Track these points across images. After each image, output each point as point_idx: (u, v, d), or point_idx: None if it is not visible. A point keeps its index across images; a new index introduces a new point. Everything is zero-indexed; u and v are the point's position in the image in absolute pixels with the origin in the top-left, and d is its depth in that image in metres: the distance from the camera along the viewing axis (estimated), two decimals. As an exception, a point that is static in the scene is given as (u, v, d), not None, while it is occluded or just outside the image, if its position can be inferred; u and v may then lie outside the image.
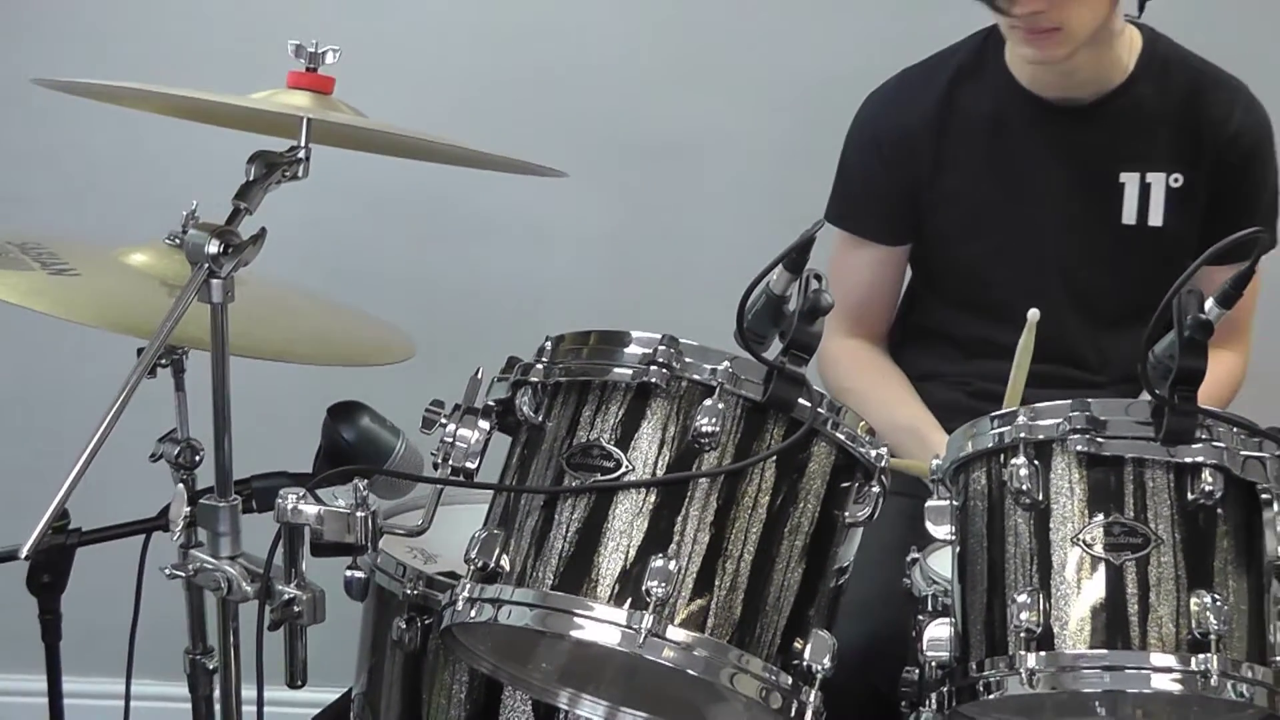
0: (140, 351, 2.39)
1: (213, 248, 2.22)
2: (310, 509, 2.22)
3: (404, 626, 2.59)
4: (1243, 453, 2.17)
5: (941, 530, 2.29)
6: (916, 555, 2.53)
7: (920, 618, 2.37)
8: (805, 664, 2.18)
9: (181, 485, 2.54)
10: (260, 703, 2.41)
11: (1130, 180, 3.09)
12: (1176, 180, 3.07)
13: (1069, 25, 2.86)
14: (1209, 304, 2.12)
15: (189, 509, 2.38)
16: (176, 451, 2.70)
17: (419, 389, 2.35)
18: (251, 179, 2.29)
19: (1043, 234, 3.11)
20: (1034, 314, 2.70)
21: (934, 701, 2.26)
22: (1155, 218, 3.09)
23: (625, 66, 3.70)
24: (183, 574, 2.37)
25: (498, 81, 3.70)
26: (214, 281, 2.24)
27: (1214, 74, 3.14)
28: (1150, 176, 3.08)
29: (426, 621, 2.56)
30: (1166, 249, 3.07)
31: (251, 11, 3.62)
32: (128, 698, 2.96)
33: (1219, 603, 2.10)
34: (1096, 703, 2.29)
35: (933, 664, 2.24)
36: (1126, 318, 3.08)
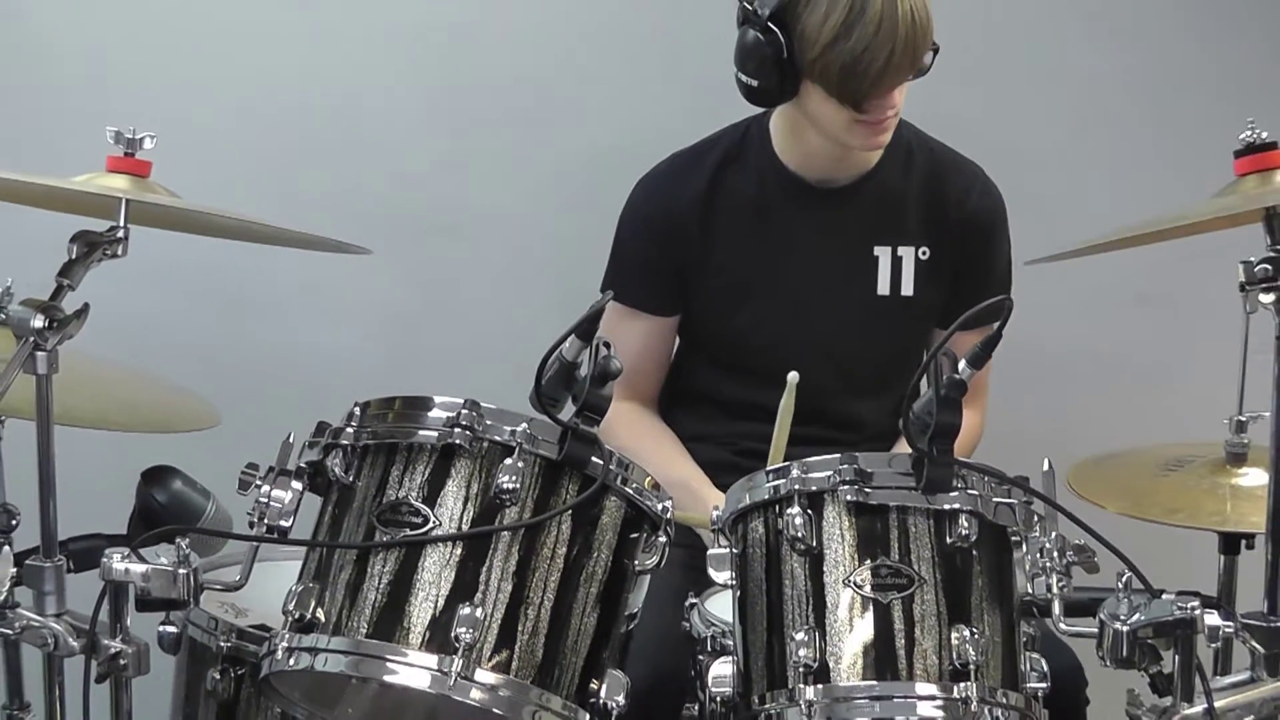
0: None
1: (38, 322, 2.27)
2: (137, 567, 2.26)
3: (218, 677, 2.63)
4: (994, 500, 2.31)
5: (722, 575, 2.37)
6: (694, 600, 2.62)
7: (701, 657, 2.48)
8: (601, 701, 2.28)
9: (6, 547, 2.52)
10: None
11: (883, 254, 3.21)
12: (924, 253, 3.20)
13: (899, 108, 3.00)
14: (961, 365, 2.23)
15: (15, 570, 2.39)
16: (-2, 516, 2.71)
17: (225, 454, 2.42)
18: (74, 257, 2.34)
19: (804, 305, 3.21)
20: (793, 376, 2.81)
21: (718, 732, 2.34)
22: (907, 288, 3.21)
23: (413, 148, 3.78)
24: (9, 632, 2.38)
25: (300, 163, 3.76)
26: (39, 354, 2.28)
27: (952, 157, 3.28)
28: (901, 250, 3.21)
29: (239, 672, 2.61)
30: (917, 316, 3.20)
31: (70, 97, 3.65)
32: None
33: (976, 635, 2.22)
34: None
35: (716, 699, 2.33)
36: (881, 380, 3.22)
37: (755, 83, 2.97)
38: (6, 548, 2.52)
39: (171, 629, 2.66)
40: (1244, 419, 2.86)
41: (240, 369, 3.66)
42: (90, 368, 2.80)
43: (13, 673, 2.83)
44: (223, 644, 2.63)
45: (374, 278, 3.68)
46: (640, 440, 3.21)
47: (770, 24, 2.90)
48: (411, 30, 3.73)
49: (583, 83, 3.75)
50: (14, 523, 2.75)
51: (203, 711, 2.69)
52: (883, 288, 3.21)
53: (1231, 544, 2.88)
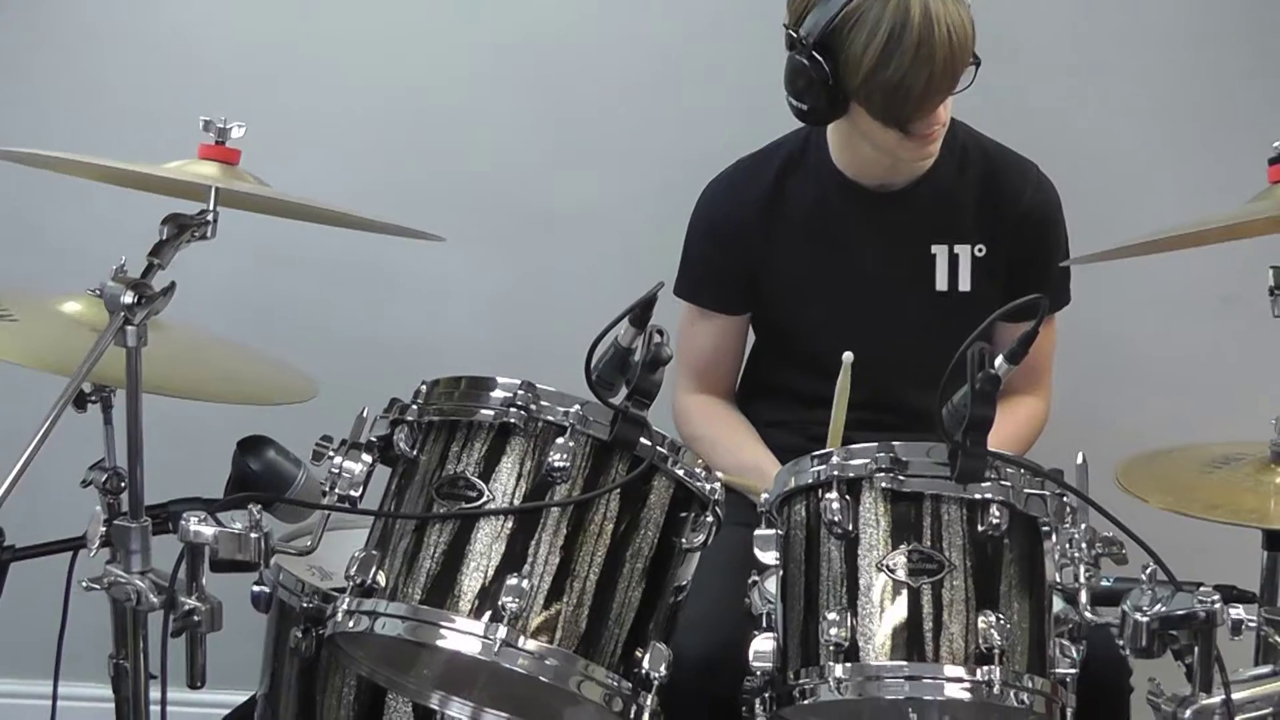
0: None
1: (128, 298, 2.29)
2: (208, 530, 2.28)
3: (300, 636, 2.67)
4: (1026, 490, 2.29)
5: (768, 556, 2.36)
6: (756, 578, 2.58)
7: (755, 633, 2.44)
8: (644, 672, 2.27)
9: (99, 508, 2.57)
10: (164, 702, 2.45)
11: (940, 252, 3.17)
12: (980, 250, 3.16)
13: (946, 122, 2.98)
14: (999, 360, 2.20)
15: (105, 529, 2.43)
16: (104, 478, 2.75)
17: (322, 426, 2.43)
18: (164, 238, 2.36)
19: (865, 303, 3.18)
20: (848, 357, 2.81)
21: (758, 705, 2.33)
22: (964, 284, 3.17)
23: (515, 147, 3.79)
24: (99, 587, 2.42)
25: (399, 157, 3.78)
26: (129, 328, 2.31)
27: (1006, 156, 3.23)
28: (958, 248, 3.17)
29: (320, 631, 2.63)
30: (975, 311, 3.12)
31: (166, 90, 3.70)
32: (55, 698, 3.00)
33: (1003, 621, 2.20)
34: (910, 709, 2.37)
35: (757, 673, 2.31)
36: (941, 372, 3.16)
37: (805, 106, 2.95)
38: (98, 509, 2.57)
39: (263, 589, 2.69)
40: (1289, 420, 2.79)
41: (343, 347, 3.69)
42: (197, 342, 2.87)
43: (119, 624, 2.84)
44: (305, 604, 2.67)
45: (473, 266, 3.73)
46: (713, 428, 3.23)
47: (814, 52, 2.87)
48: (514, 34, 3.74)
49: (673, 88, 3.75)
50: (122, 485, 2.78)
51: (288, 668, 2.73)
52: (941, 284, 3.18)
53: (1275, 541, 2.81)
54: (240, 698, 3.07)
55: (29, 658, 2.94)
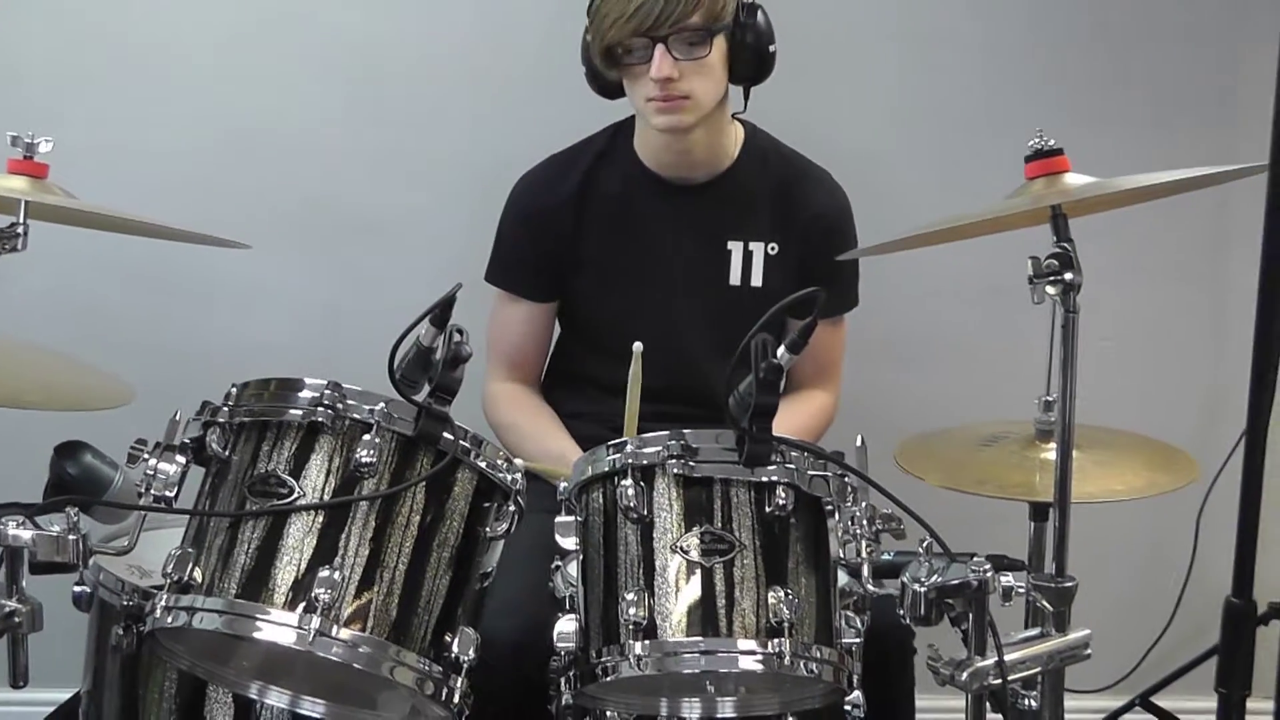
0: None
1: (-58, 311, 2.24)
2: (26, 533, 2.24)
3: (121, 633, 2.61)
4: (810, 472, 2.31)
5: (569, 541, 2.35)
6: (559, 563, 2.59)
7: (560, 615, 2.45)
8: (454, 656, 2.26)
9: (-80, 515, 2.51)
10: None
11: (736, 248, 3.20)
12: (773, 248, 3.19)
13: (695, 95, 2.96)
14: (780, 350, 2.22)
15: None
16: (-85, 488, 2.69)
17: (139, 430, 2.38)
18: (-27, 251, 2.31)
19: (664, 293, 3.19)
20: (638, 346, 2.80)
21: (564, 684, 2.34)
22: (756, 279, 3.20)
23: (324, 154, 3.75)
24: (-82, 593, 2.36)
25: (207, 167, 3.71)
26: (-52, 340, 2.26)
27: (802, 163, 3.27)
28: (752, 245, 3.20)
29: (140, 629, 2.55)
30: (766, 306, 3.14)
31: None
32: None
33: (791, 596, 2.22)
34: (707, 681, 2.40)
35: (562, 653, 2.32)
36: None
37: (586, 70, 3.04)
38: (-81, 516, 2.50)
39: (85, 588, 2.64)
40: (1050, 399, 2.85)
41: (160, 353, 3.62)
42: (11, 351, 2.78)
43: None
44: (125, 603, 2.61)
45: (294, 272, 3.68)
46: (521, 416, 3.23)
47: (588, 21, 2.98)
48: (325, 40, 3.70)
49: (484, 94, 3.73)
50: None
51: (110, 664, 2.66)
52: (734, 279, 3.21)
53: (1039, 512, 2.88)
54: (63, 695, 3.02)
55: None
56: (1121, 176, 2.43)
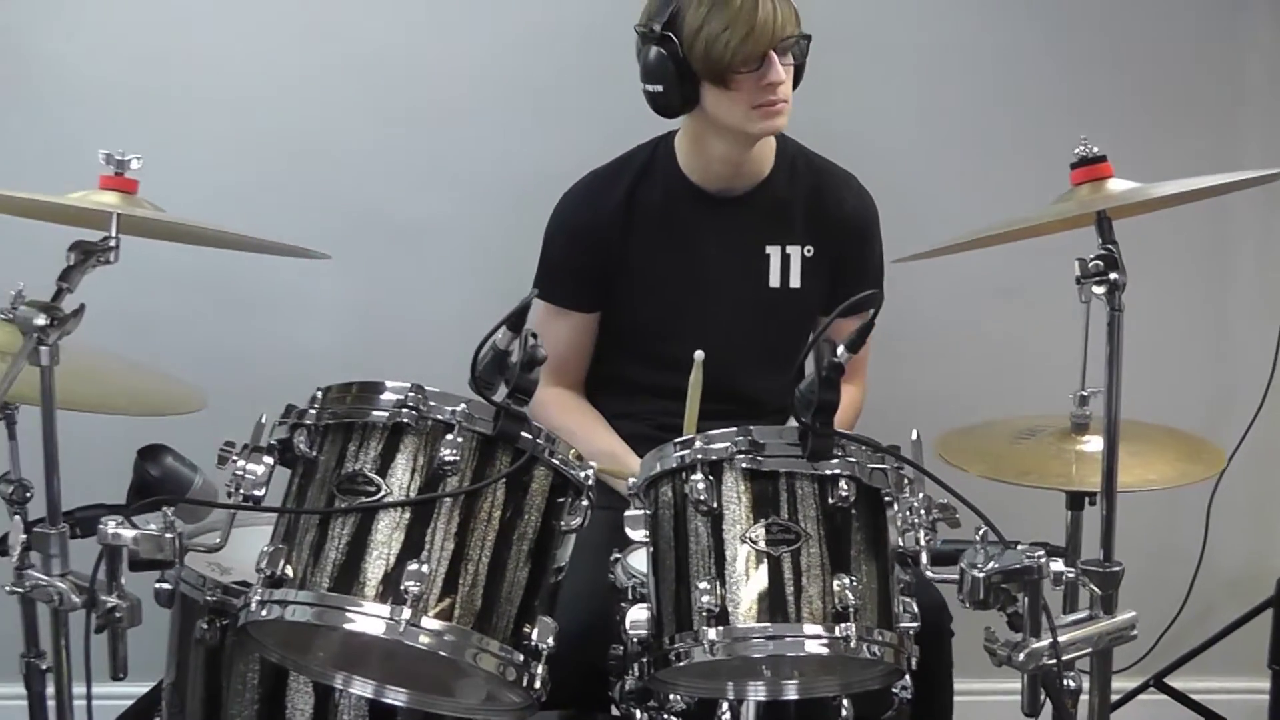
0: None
1: (40, 320, 2.26)
2: (128, 532, 2.25)
3: (205, 627, 2.61)
4: (870, 465, 2.32)
5: (638, 534, 2.36)
6: (618, 555, 2.63)
7: (623, 605, 2.46)
8: (534, 644, 2.27)
9: (18, 517, 2.53)
10: (89, 696, 2.39)
11: (774, 252, 3.22)
12: (809, 251, 3.22)
13: (789, 99, 3.01)
14: (840, 350, 2.23)
15: (25, 536, 2.38)
16: (10, 490, 2.70)
17: (211, 434, 2.38)
18: (71, 264, 2.32)
19: (707, 298, 3.21)
20: (699, 355, 2.82)
21: (636, 670, 2.36)
22: (795, 281, 3.23)
23: (373, 161, 3.75)
24: (21, 590, 2.37)
25: (280, 179, 3.72)
26: (42, 348, 2.26)
27: (830, 167, 3.30)
28: (789, 249, 3.22)
29: (223, 623, 2.59)
30: (804, 305, 3.23)
31: (68, 122, 3.61)
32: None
33: (855, 583, 2.24)
34: (763, 665, 2.40)
35: (634, 640, 2.33)
36: (776, 361, 3.21)
37: (660, 89, 3.00)
38: (18, 517, 2.52)
39: (166, 585, 2.64)
40: (1085, 394, 2.89)
41: (225, 359, 3.63)
42: (93, 360, 2.79)
43: (29, 626, 2.81)
44: (209, 598, 2.61)
45: (341, 279, 3.66)
46: (570, 419, 3.23)
47: (665, 33, 2.95)
48: (369, 59, 3.72)
49: (522, 108, 3.74)
50: (28, 495, 2.76)
51: (193, 657, 2.66)
52: (774, 281, 3.23)
53: (1076, 501, 2.90)
54: (141, 689, 3.01)
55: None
56: (1164, 181, 2.45)
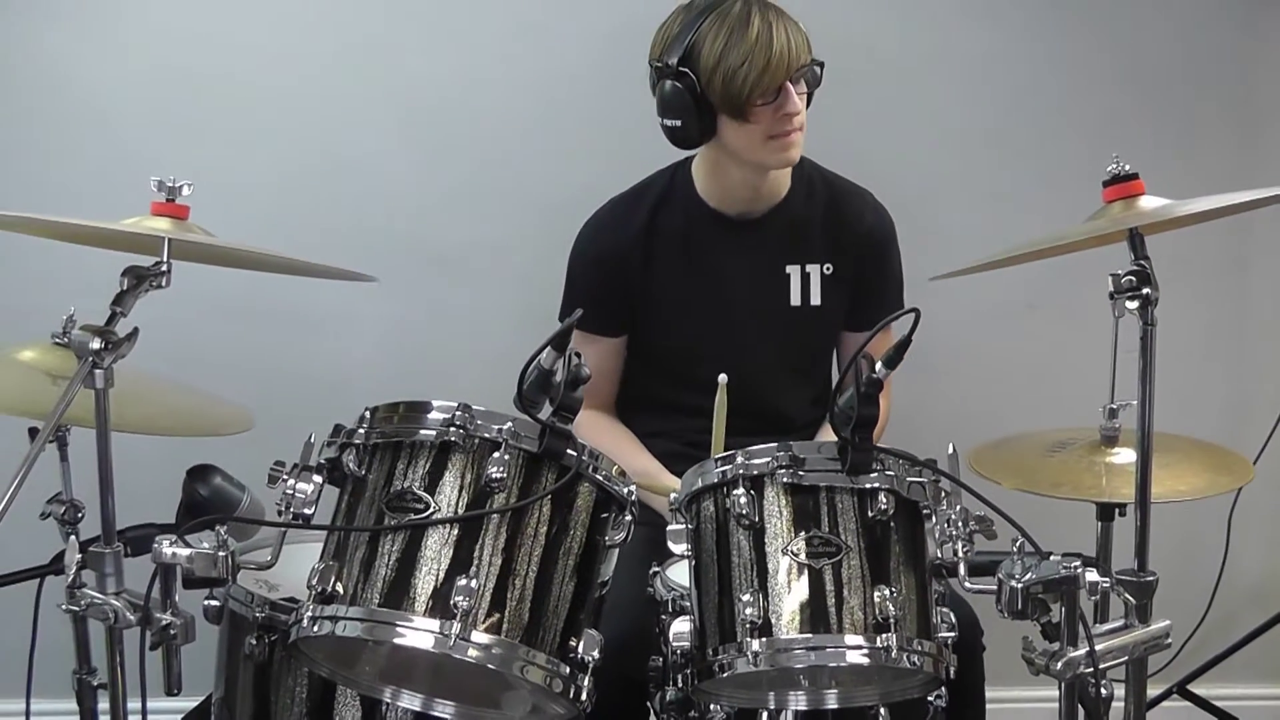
0: (32, 430, 2.40)
1: (95, 344, 2.25)
2: (183, 551, 2.24)
3: (254, 643, 2.61)
4: (908, 479, 2.31)
5: (679, 547, 2.35)
6: (657, 569, 2.62)
7: (663, 617, 2.47)
8: (580, 656, 2.26)
9: (73, 536, 2.53)
10: (144, 711, 2.41)
11: (794, 271, 3.21)
12: (828, 268, 3.21)
13: (804, 127, 3.00)
14: (879, 366, 2.24)
15: (80, 555, 2.37)
16: (63, 510, 2.70)
17: (260, 453, 2.38)
18: (124, 288, 2.31)
19: (730, 318, 3.20)
20: (723, 378, 2.81)
21: (679, 681, 2.35)
22: (815, 299, 3.21)
23: (420, 190, 3.75)
24: (76, 608, 2.36)
25: (323, 203, 3.73)
26: (97, 371, 2.26)
27: (846, 185, 3.28)
28: (809, 267, 3.20)
29: (272, 638, 2.58)
30: (825, 322, 3.22)
31: (120, 151, 3.62)
32: (28, 714, 2.96)
33: (895, 594, 2.23)
34: (802, 676, 2.41)
35: (677, 652, 2.32)
36: (800, 376, 3.27)
37: (679, 123, 2.98)
38: (73, 537, 2.53)
39: (215, 602, 2.64)
40: (1115, 407, 2.87)
41: (272, 381, 3.62)
42: (143, 381, 2.79)
43: (81, 643, 2.81)
44: (258, 614, 2.61)
45: (385, 302, 3.64)
46: (604, 439, 3.19)
47: (680, 69, 2.94)
48: (405, 90, 3.73)
49: (548, 138, 3.75)
50: (80, 515, 2.76)
51: (242, 673, 2.66)
52: (795, 300, 3.22)
53: (1107, 512, 2.89)
54: (190, 703, 3.01)
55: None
56: (1194, 199, 2.44)
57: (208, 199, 2.59)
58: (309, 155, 3.70)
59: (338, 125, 3.71)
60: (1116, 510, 2.86)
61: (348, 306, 3.66)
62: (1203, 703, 3.70)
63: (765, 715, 2.44)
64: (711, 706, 2.42)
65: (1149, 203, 2.45)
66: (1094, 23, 3.75)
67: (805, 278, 3.21)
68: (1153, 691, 3.70)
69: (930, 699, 2.53)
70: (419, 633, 2.16)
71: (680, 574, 2.50)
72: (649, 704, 2.58)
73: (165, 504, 2.69)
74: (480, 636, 2.16)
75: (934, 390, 3.60)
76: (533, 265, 3.65)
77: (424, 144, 3.73)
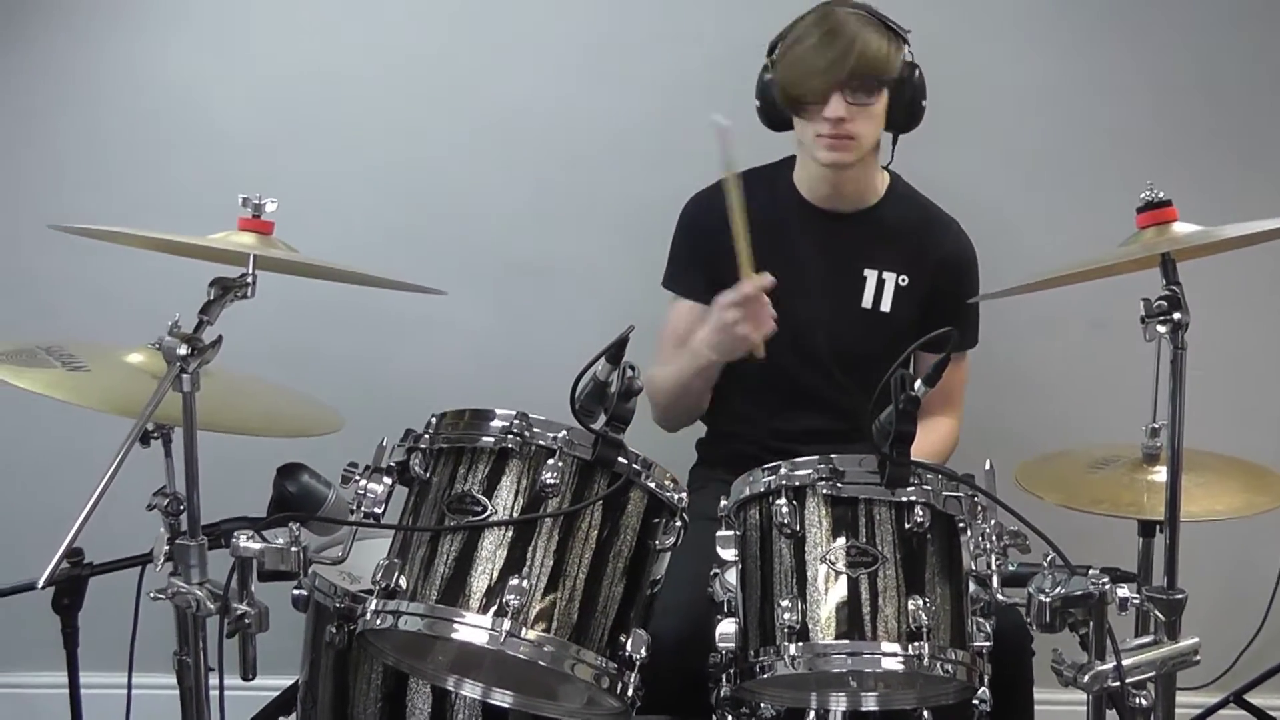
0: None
1: (182, 350, 2.25)
2: (256, 545, 2.24)
3: (334, 631, 2.62)
4: (944, 493, 2.27)
5: (728, 553, 2.33)
6: (717, 570, 2.56)
7: (718, 617, 2.42)
8: (628, 654, 2.24)
9: (162, 529, 2.54)
10: (221, 690, 2.42)
11: (871, 275, 3.15)
12: (904, 280, 3.14)
13: (859, 136, 2.95)
14: (917, 383, 2.20)
15: (168, 547, 2.39)
16: (165, 502, 2.70)
17: (348, 453, 2.38)
18: (211, 299, 2.31)
19: (803, 303, 3.09)
20: (717, 119, 2.74)
21: (725, 680, 2.33)
22: (886, 305, 3.15)
23: (498, 208, 3.75)
24: (164, 597, 2.37)
25: (406, 221, 3.73)
26: (184, 375, 2.26)
27: (936, 211, 3.22)
28: (885, 274, 3.14)
29: (351, 628, 2.58)
30: (891, 330, 3.12)
31: (210, 169, 3.65)
32: (130, 687, 2.99)
33: (929, 604, 2.20)
34: (850, 678, 2.37)
35: (722, 652, 2.30)
36: (862, 377, 3.12)
37: (759, 104, 3.08)
38: (163, 529, 2.53)
39: (301, 592, 2.66)
40: (1156, 426, 2.79)
41: (362, 384, 3.63)
42: (242, 384, 2.82)
43: (182, 626, 2.81)
44: (338, 604, 2.62)
45: (470, 311, 3.66)
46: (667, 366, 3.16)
47: (770, 58, 3.04)
48: (497, 110, 3.72)
49: (631, 156, 3.72)
50: (181, 508, 2.75)
51: (324, 659, 2.67)
52: (866, 302, 3.15)
53: (1148, 529, 2.82)
54: (285, 681, 3.02)
55: (107, 655, 2.89)
56: (1225, 225, 2.36)
57: (298, 210, 2.58)
58: (395, 175, 3.73)
59: (420, 144, 3.72)
60: (1157, 527, 2.78)
61: (435, 314, 3.64)
62: (1258, 712, 3.60)
63: (812, 715, 2.40)
64: (761, 704, 2.38)
65: (1181, 229, 2.37)
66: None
67: (880, 283, 3.15)
68: (1209, 700, 3.62)
69: (975, 703, 2.47)
70: (472, 629, 2.15)
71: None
72: (710, 699, 2.55)
73: (264, 499, 2.68)
74: (531, 634, 2.15)
75: (986, 407, 3.49)
76: (610, 276, 3.65)
77: (507, 161, 3.73)
